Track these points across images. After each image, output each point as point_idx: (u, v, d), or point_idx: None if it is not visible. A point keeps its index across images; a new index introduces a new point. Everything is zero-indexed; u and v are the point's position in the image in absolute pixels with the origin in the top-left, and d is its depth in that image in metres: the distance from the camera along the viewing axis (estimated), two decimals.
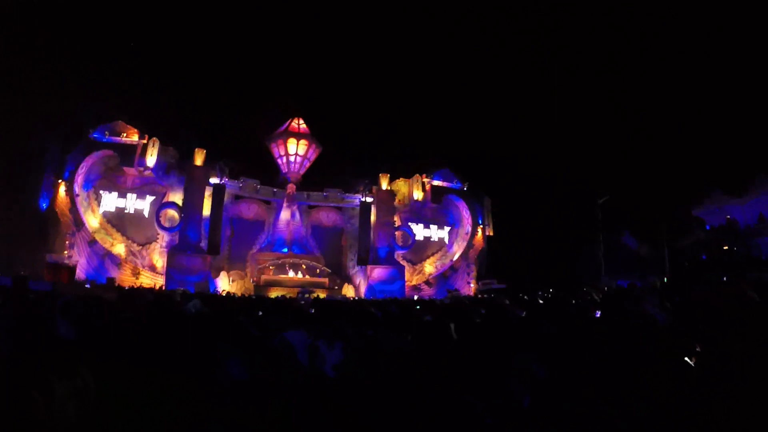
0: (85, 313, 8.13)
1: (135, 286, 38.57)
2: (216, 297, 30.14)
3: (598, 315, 12.67)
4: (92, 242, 44.51)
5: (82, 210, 44.79)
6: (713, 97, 53.90)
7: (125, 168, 48.09)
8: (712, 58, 55.89)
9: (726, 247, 45.55)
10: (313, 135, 56.79)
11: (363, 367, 5.88)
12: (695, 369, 4.42)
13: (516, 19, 74.03)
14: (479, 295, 41.52)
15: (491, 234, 59.67)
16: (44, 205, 43.79)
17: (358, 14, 78.41)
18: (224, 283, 47.85)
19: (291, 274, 50.40)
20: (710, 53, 56.07)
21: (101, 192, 47.61)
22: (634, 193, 54.85)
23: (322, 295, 42.78)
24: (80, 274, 42.20)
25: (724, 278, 34.08)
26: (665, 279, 43.03)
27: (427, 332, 7.85)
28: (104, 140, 47.35)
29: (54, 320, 6.54)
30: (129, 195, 48.85)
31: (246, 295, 37.96)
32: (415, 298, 44.94)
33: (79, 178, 45.36)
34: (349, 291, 51.90)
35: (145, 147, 48.39)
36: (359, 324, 8.39)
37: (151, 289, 31.80)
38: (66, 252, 43.22)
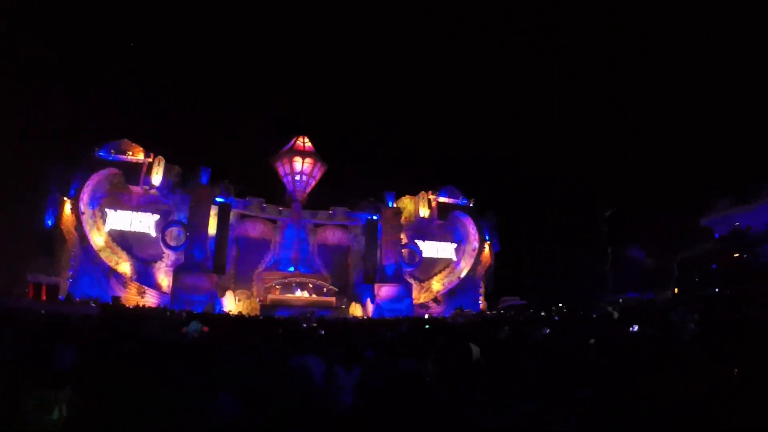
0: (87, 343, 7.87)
1: (139, 305, 38.36)
2: (222, 318, 29.90)
3: (635, 329, 12.27)
4: (97, 261, 44.02)
5: (87, 228, 44.35)
6: (716, 104, 53.77)
7: (131, 186, 47.81)
8: (717, 67, 55.77)
9: (737, 255, 44.89)
10: (318, 153, 56.56)
11: (386, 394, 5.52)
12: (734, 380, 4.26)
13: (519, 36, 74.19)
14: (495, 312, 41.16)
15: (499, 250, 59.23)
16: (50, 222, 43.60)
17: (363, 36, 78.76)
18: (230, 303, 47.35)
19: (298, 293, 49.89)
20: (716, 61, 55.95)
21: (107, 210, 47.23)
22: (640, 205, 54.51)
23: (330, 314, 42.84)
24: (86, 291, 41.79)
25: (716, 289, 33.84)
26: (675, 291, 42.56)
27: (447, 356, 7.55)
28: (110, 158, 47.13)
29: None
30: (134, 213, 48.50)
31: (252, 315, 37.77)
32: (426, 316, 44.52)
33: (85, 196, 45.01)
34: (356, 310, 51.43)
35: (150, 165, 48.29)
36: (377, 346, 8.04)
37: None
38: (71, 271, 42.96)
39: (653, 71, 65.31)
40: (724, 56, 55.31)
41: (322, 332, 17.09)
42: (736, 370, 4.32)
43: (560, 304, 46.28)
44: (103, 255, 44.66)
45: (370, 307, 51.42)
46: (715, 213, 50.07)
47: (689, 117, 55.69)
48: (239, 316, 32.80)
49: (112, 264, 44.81)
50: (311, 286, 51.20)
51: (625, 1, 63.29)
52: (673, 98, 58.98)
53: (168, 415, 4.43)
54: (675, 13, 58.00)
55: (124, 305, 37.45)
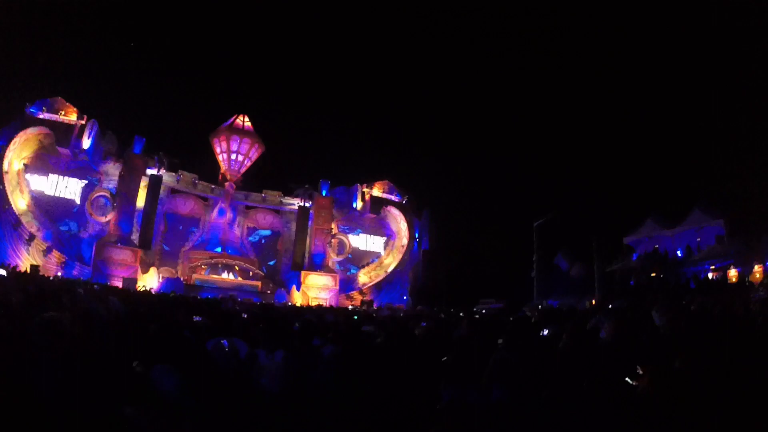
0: None
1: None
2: (141, 295, 29.27)
3: (546, 333, 12.80)
4: (17, 225, 41.93)
5: (9, 189, 42.12)
6: (662, 131, 55.85)
7: (59, 148, 45.75)
8: (661, 87, 57.79)
9: (654, 275, 47.03)
10: (257, 134, 55.80)
11: (310, 380, 5.67)
12: (635, 387, 4.63)
13: (466, 34, 74.94)
14: (422, 308, 41.70)
15: (427, 248, 59.96)
16: None
17: (310, 18, 78.05)
18: (153, 280, 46.32)
19: (224, 275, 49.41)
20: (661, 82, 57.95)
21: (31, 172, 45.26)
22: (569, 216, 56.20)
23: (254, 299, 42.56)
24: (2, 257, 39.95)
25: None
26: (593, 301, 44.16)
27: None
28: (40, 116, 45.01)
29: None
30: (60, 177, 46.72)
31: (174, 294, 37.15)
32: (349, 307, 44.79)
33: (10, 154, 42.71)
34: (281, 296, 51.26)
35: (82, 128, 46.22)
36: (303, 333, 8.14)
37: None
38: None
39: (597, 87, 67.19)
40: (670, 78, 57.41)
41: (245, 315, 17.09)
42: (641, 371, 4.65)
43: (481, 306, 47.51)
44: (24, 220, 42.56)
45: (295, 293, 51.28)
46: (639, 233, 52.38)
47: (633, 135, 57.63)
48: (161, 294, 32.24)
49: (32, 230, 42.87)
50: (238, 268, 50.78)
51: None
52: (618, 116, 60.96)
53: (105, 388, 4.44)
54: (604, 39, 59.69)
55: (44, 275, 36.11)
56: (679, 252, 47.94)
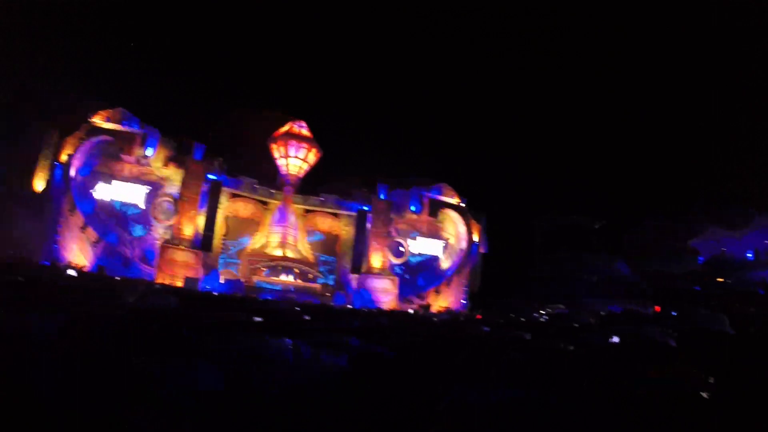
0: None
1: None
2: (204, 295, 29.78)
3: (615, 340, 12.29)
4: (84, 229, 43.59)
5: (77, 195, 43.91)
6: (722, 133, 54.06)
7: (123, 156, 47.38)
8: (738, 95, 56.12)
9: (721, 279, 45.33)
10: (315, 139, 56.33)
11: (374, 380, 5.48)
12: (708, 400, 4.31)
13: (520, 37, 74.22)
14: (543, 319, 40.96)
15: (486, 252, 59.26)
16: (40, 187, 43.13)
17: (367, 21, 78.45)
18: (215, 282, 47.12)
19: (283, 277, 49.81)
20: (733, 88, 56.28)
21: (97, 179, 46.82)
22: (630, 221, 54.79)
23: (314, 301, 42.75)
24: (69, 258, 41.41)
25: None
26: (657, 308, 42.79)
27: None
28: (104, 126, 46.66)
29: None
30: (125, 184, 48.12)
31: (236, 296, 37.60)
32: (410, 311, 44.53)
33: (76, 162, 44.44)
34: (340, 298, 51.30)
35: (144, 137, 47.77)
36: (366, 336, 7.99)
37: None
38: (59, 236, 42.60)
39: (663, 78, 65.52)
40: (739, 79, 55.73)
41: (307, 317, 17.06)
42: (711, 379, 4.45)
43: (542, 311, 46.46)
44: (90, 223, 44.21)
45: (353, 297, 51.29)
46: (704, 236, 50.58)
47: (696, 142, 56.04)
48: (222, 295, 32.67)
49: (98, 233, 44.37)
50: (297, 271, 51.12)
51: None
52: (683, 118, 59.39)
53: (150, 381, 4.37)
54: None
55: (109, 275, 37.11)
56: (749, 254, 46.29)
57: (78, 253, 42.64)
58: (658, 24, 65.98)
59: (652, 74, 67.44)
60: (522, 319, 39.85)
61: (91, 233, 43.80)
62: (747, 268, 44.85)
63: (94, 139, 45.93)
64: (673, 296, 44.66)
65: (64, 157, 43.68)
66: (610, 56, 71.85)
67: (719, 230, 49.85)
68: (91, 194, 46.17)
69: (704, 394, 4.26)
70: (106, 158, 47.44)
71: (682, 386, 4.56)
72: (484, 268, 58.81)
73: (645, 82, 67.94)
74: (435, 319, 33.40)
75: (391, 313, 32.91)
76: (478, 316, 45.98)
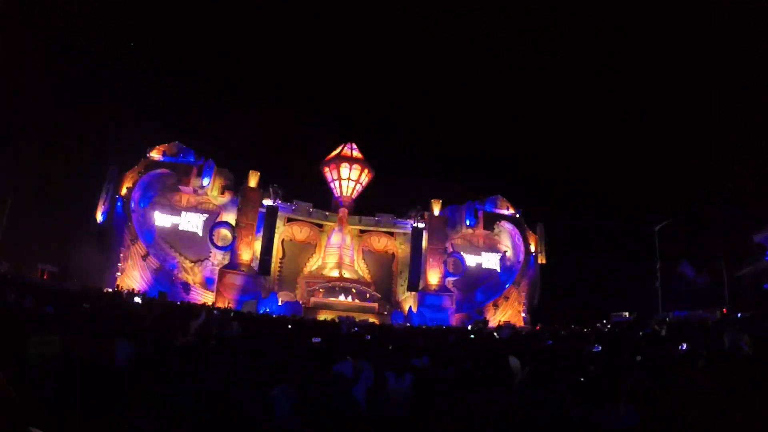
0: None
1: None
2: (263, 318, 30.13)
3: (684, 348, 11.95)
4: (146, 257, 45.16)
5: (137, 225, 45.64)
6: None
7: (181, 187, 49.01)
8: None
9: None
10: (366, 160, 56.90)
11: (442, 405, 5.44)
12: None
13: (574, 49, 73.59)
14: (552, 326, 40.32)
15: (544, 262, 58.31)
16: (102, 218, 45.01)
17: (411, 43, 79.14)
18: (273, 304, 47.80)
19: (341, 297, 50.10)
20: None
21: (156, 209, 48.52)
22: (692, 220, 53.18)
23: (372, 320, 42.81)
24: (133, 286, 42.85)
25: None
26: (724, 310, 41.28)
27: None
28: (162, 160, 48.50)
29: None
30: (183, 213, 49.68)
31: (294, 318, 37.97)
32: (469, 327, 44.11)
33: (136, 195, 46.66)
34: (397, 317, 51.16)
35: (201, 168, 49.30)
36: (427, 355, 7.93)
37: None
38: (120, 264, 44.27)
39: (707, 87, 64.04)
40: None
41: (369, 337, 17.04)
42: None
43: (605, 321, 45.40)
44: (151, 252, 45.73)
45: (412, 315, 51.16)
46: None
47: (745, 130, 54.44)
48: (281, 318, 33.03)
49: (159, 261, 45.83)
50: (354, 291, 51.33)
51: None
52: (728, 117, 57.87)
53: (224, 406, 4.52)
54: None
55: (171, 301, 38.06)
56: None
57: (140, 280, 44.15)
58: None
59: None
60: (585, 329, 39.05)
61: (152, 261, 45.28)
62: None
63: (153, 173, 47.72)
64: (741, 297, 43.03)
65: (124, 191, 45.60)
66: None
67: None
68: (152, 224, 47.71)
69: None
70: (165, 190, 49.15)
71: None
72: (543, 279, 57.76)
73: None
74: (495, 334, 33.04)
75: (448, 330, 32.57)
76: (537, 328, 45.35)
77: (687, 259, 53.23)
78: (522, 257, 57.47)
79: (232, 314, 28.51)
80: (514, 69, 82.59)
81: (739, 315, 37.13)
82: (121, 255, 44.60)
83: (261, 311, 42.96)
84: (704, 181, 56.29)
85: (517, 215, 59.22)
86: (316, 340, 13.01)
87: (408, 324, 46.10)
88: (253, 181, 50.41)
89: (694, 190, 56.54)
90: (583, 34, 72.23)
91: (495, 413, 4.91)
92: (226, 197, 50.57)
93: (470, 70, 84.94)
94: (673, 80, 66.39)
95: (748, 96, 54.64)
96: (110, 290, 38.72)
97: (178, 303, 35.92)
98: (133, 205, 46.05)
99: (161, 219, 48.87)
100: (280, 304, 47.77)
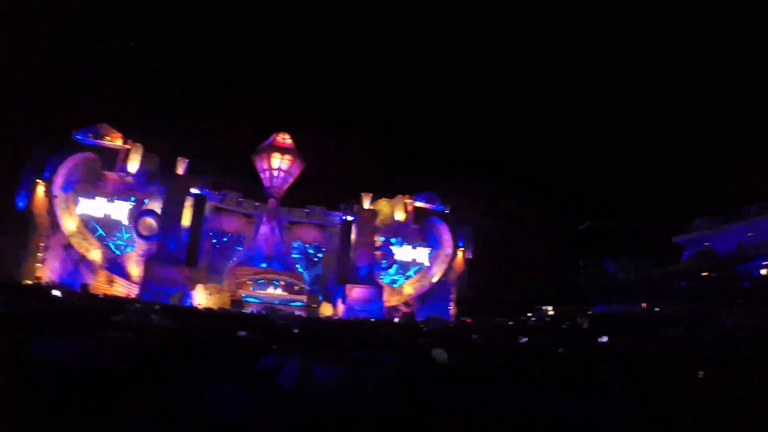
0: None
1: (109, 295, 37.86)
2: (191, 311, 29.60)
3: (605, 340, 12.44)
4: (68, 246, 43.38)
5: (59, 212, 43.64)
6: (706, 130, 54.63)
7: (106, 172, 47.20)
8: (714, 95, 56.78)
9: (705, 274, 45.59)
10: (298, 150, 56.35)
11: (373, 395, 5.48)
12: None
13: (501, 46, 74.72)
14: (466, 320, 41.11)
15: (473, 257, 59.26)
16: (21, 204, 42.90)
17: (347, 32, 78.79)
18: (201, 297, 46.82)
19: (269, 289, 49.70)
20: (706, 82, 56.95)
21: (80, 195, 46.51)
22: (615, 220, 55.19)
23: (300, 313, 42.73)
24: (53, 277, 41.26)
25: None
26: (643, 305, 43.05)
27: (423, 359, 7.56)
28: (87, 142, 46.60)
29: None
30: (108, 200, 47.85)
31: (220, 309, 37.53)
32: (395, 320, 44.53)
33: (59, 179, 44.24)
34: (327, 309, 51.14)
35: (128, 152, 47.78)
36: (361, 346, 7.99)
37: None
38: (40, 254, 42.41)
39: (643, 86, 66.16)
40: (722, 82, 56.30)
41: (296, 330, 17.02)
42: (702, 373, 4.65)
43: (529, 314, 46.65)
44: (73, 241, 43.91)
45: (341, 307, 51.24)
46: (689, 232, 50.82)
47: (676, 136, 56.57)
48: (208, 310, 32.56)
49: (82, 250, 44.09)
50: (283, 283, 51.05)
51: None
52: (662, 119, 59.89)
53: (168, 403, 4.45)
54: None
55: (94, 293, 36.93)
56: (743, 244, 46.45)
57: (61, 271, 42.48)
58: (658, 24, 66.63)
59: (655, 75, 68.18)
60: (510, 323, 40.13)
61: (75, 251, 43.58)
62: (731, 262, 45.03)
63: (77, 155, 45.78)
64: (658, 293, 44.93)
65: (46, 175, 43.50)
66: (609, 56, 72.60)
67: (704, 225, 50.03)
68: (75, 211, 45.75)
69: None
70: (89, 175, 47.11)
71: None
72: (472, 274, 58.77)
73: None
74: (423, 326, 33.41)
75: (378, 323, 32.78)
76: (468, 320, 46.20)
77: (609, 256, 55.31)
78: (450, 252, 58.19)
79: (157, 307, 27.95)
80: (448, 67, 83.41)
81: (657, 309, 39.03)
82: (42, 244, 42.76)
83: (188, 304, 42.21)
84: (635, 185, 58.32)
85: (447, 211, 59.88)
86: (242, 333, 12.95)
87: (337, 317, 46.31)
88: (181, 168, 49.29)
89: (624, 193, 58.53)
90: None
91: (477, 411, 5.04)
92: (154, 184, 48.75)
93: (403, 64, 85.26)
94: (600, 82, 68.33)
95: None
96: (30, 282, 37.22)
97: (101, 296, 34.86)
98: (55, 190, 43.84)
99: (85, 205, 46.64)
100: (207, 296, 47.00)
